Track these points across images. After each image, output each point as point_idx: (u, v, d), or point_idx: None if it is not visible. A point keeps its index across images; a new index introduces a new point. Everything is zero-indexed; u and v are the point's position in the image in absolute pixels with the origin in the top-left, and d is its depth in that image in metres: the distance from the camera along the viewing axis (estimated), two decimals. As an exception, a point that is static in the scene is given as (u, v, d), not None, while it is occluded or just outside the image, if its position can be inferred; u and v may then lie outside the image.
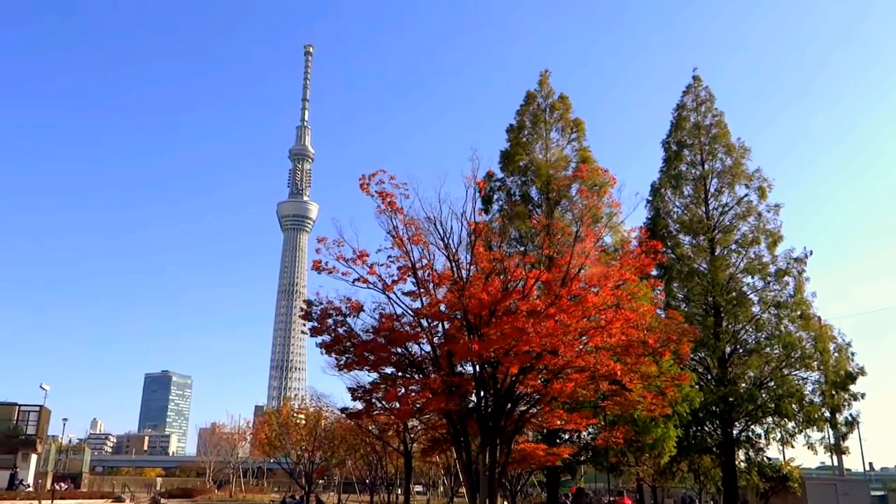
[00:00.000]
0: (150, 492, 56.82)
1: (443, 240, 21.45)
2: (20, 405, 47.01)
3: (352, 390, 24.55)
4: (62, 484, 45.36)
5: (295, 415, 41.68)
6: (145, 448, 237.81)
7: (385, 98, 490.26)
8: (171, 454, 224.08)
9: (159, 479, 70.75)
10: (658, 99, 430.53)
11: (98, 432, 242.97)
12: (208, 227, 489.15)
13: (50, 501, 38.86)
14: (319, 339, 22.61)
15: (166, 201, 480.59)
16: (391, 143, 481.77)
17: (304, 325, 22.67)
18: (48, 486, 44.86)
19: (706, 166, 35.38)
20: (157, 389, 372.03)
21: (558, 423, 22.20)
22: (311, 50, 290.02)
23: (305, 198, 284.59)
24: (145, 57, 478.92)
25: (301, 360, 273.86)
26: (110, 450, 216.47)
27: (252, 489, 67.69)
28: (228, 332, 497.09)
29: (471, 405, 22.50)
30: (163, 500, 48.20)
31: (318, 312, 22.47)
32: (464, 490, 45.94)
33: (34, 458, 47.09)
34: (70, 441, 66.29)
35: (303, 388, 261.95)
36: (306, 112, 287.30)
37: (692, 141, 35.72)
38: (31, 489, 40.74)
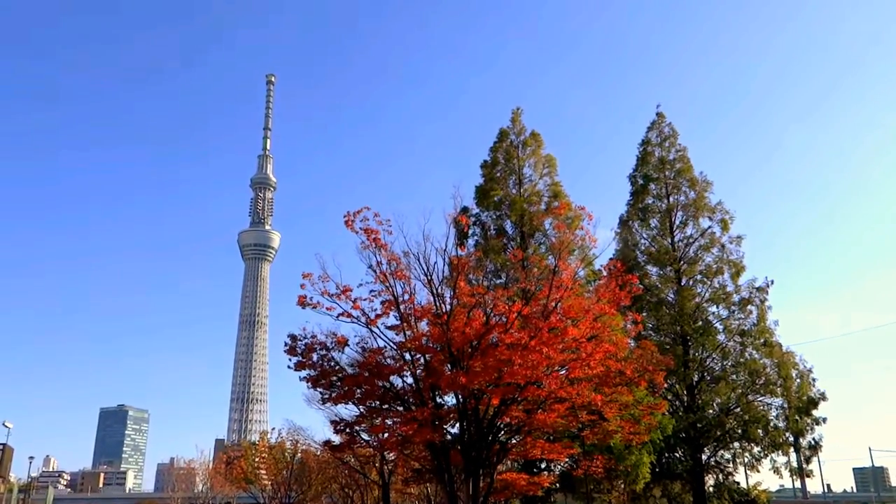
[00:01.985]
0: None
1: (426, 275, 21.99)
2: (-18, 444, 45.70)
3: (334, 423, 24.80)
4: (25, 525, 44.02)
5: (271, 448, 41.49)
6: (101, 485, 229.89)
7: (348, 127, 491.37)
8: (127, 491, 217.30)
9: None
10: (624, 130, 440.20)
11: (51, 469, 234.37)
12: (167, 256, 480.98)
13: (15, 543, 37.89)
14: (304, 373, 22.95)
15: (123, 229, 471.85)
16: (355, 171, 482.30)
17: (290, 359, 22.90)
18: (10, 527, 43.64)
19: (671, 199, 36.81)
20: (112, 424, 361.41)
21: (539, 453, 22.76)
22: (272, 79, 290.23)
23: (267, 227, 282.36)
24: (105, 82, 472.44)
25: (262, 391, 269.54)
26: (64, 487, 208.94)
27: (222, 526, 66.60)
28: (187, 365, 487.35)
29: (448, 436, 23.02)
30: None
31: (303, 347, 22.77)
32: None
33: (-4, 498, 45.77)
34: (30, 479, 64.20)
35: (265, 421, 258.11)
36: (268, 141, 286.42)
37: (657, 175, 37.14)
38: None
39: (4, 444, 46.41)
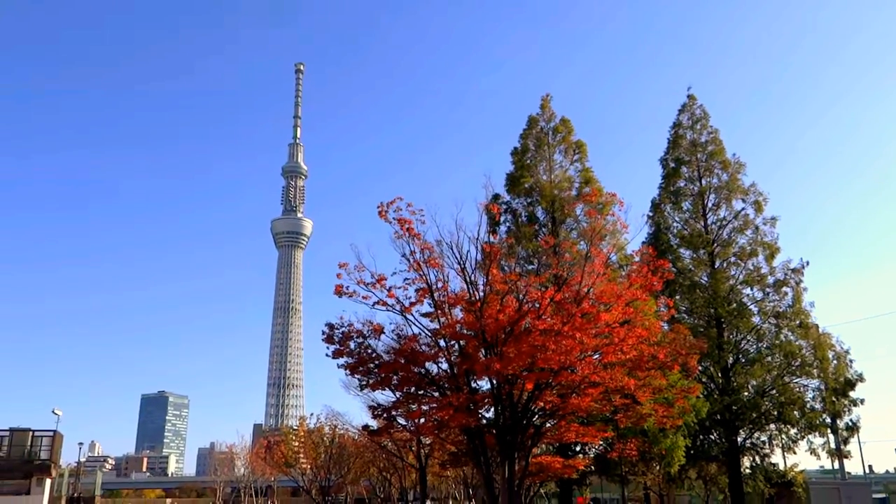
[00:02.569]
0: (164, 513, 57.30)
1: (459, 263, 22.34)
2: (34, 431, 47.48)
3: (372, 409, 25.47)
4: (76, 508, 45.80)
5: (310, 433, 42.49)
6: (144, 469, 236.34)
7: (377, 116, 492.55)
8: (170, 475, 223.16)
9: (169, 500, 70.89)
10: (655, 117, 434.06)
11: (96, 455, 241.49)
12: (203, 245, 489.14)
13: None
14: (342, 360, 23.54)
15: (160, 220, 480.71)
16: (385, 160, 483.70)
17: (328, 347, 23.48)
18: (63, 510, 45.38)
19: (703, 182, 36.58)
20: (153, 410, 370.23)
21: (574, 436, 23.10)
22: (301, 68, 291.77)
23: (299, 214, 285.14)
24: (136, 76, 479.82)
25: (298, 377, 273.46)
26: (110, 471, 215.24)
27: (263, 508, 68.29)
28: (225, 351, 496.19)
29: (483, 420, 23.48)
30: (177, 521, 48.78)
31: (341, 335, 23.33)
32: (475, 502, 46.84)
33: (48, 482, 47.55)
34: (79, 465, 66.54)
35: (301, 406, 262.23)
36: (298, 129, 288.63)
37: (689, 158, 36.93)
38: None
39: (55, 431, 48.14)
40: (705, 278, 35.05)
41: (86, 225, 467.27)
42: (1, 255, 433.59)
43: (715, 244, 35.36)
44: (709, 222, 36.09)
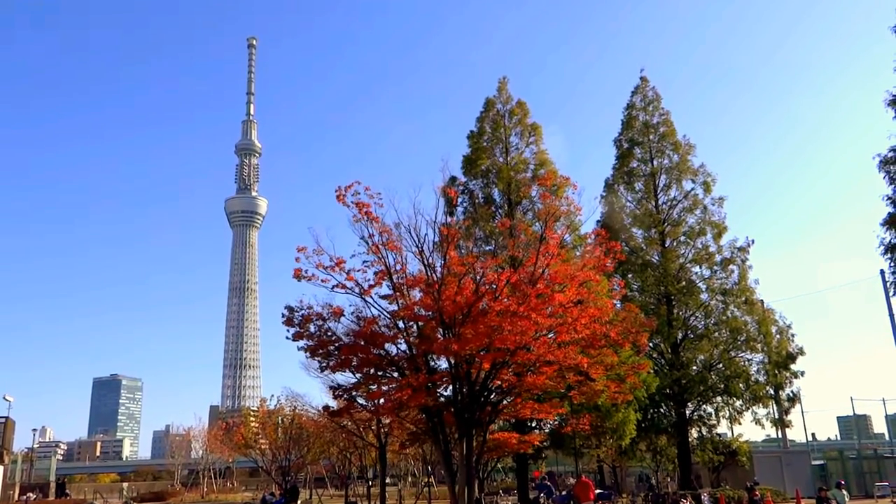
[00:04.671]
0: (122, 497, 56.84)
1: (417, 246, 22.68)
2: (-16, 417, 46.52)
3: (333, 389, 25.78)
4: (30, 494, 45.22)
5: (270, 414, 42.70)
6: (97, 454, 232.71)
7: (330, 93, 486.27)
8: (124, 459, 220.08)
9: (125, 484, 70.31)
10: (609, 97, 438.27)
11: (48, 440, 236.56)
12: (154, 223, 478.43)
13: (23, 512, 39.04)
14: (302, 343, 23.77)
15: (110, 197, 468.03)
16: (342, 142, 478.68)
17: (288, 330, 23.66)
18: (16, 497, 44.76)
19: (655, 163, 37.55)
20: (106, 394, 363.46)
21: (529, 413, 23.81)
22: (254, 42, 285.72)
23: (254, 193, 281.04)
24: (84, 51, 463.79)
25: (255, 358, 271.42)
26: (61, 457, 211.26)
27: (223, 489, 68.12)
28: (179, 333, 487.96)
29: (442, 399, 24.04)
30: (136, 505, 48.57)
31: (300, 318, 23.53)
32: (433, 480, 47.67)
33: (0, 469, 46.77)
34: (31, 451, 65.42)
35: (258, 387, 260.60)
36: (252, 106, 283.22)
37: (642, 139, 37.82)
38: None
39: (7, 418, 47.24)
40: (656, 257, 36.12)
41: (34, 202, 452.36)
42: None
43: (665, 224, 36.39)
44: (660, 202, 37.11)
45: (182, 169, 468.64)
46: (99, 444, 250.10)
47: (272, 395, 45.35)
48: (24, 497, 43.62)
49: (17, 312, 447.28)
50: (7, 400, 51.25)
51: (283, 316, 23.97)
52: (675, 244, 36.42)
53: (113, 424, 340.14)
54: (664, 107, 38.47)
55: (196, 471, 74.41)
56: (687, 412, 34.24)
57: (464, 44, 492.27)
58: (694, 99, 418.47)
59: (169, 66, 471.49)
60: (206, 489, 64.85)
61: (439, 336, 22.53)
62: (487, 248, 30.31)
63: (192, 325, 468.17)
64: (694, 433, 35.33)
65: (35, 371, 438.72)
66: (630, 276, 35.55)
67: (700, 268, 36.07)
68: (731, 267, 35.13)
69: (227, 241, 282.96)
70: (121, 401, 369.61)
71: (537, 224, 30.72)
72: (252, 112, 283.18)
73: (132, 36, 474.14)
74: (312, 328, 23.08)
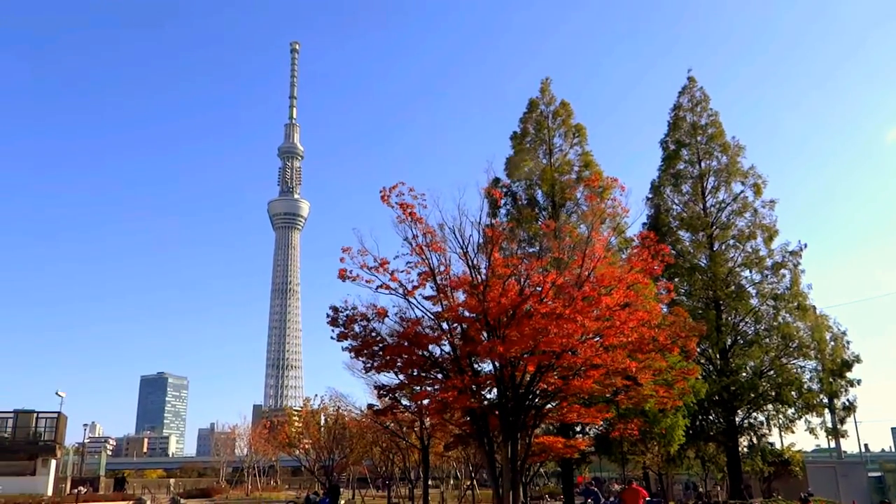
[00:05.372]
0: (169, 493, 58.00)
1: (462, 247, 22.56)
2: (38, 412, 48.01)
3: (378, 388, 25.85)
4: (81, 488, 46.39)
5: (313, 414, 43.07)
6: (145, 450, 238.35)
7: (371, 96, 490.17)
8: (171, 455, 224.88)
9: (172, 480, 71.72)
10: (654, 99, 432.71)
11: (97, 436, 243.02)
12: (200, 226, 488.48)
13: (74, 505, 40.00)
14: (346, 343, 23.85)
15: (157, 201, 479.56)
16: (383, 140, 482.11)
17: (332, 330, 23.76)
18: (68, 490, 45.96)
19: (703, 165, 36.80)
20: (153, 391, 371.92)
21: (576, 417, 23.45)
22: (297, 47, 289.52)
23: (296, 195, 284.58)
24: (128, 60, 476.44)
25: (297, 358, 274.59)
26: (111, 453, 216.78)
27: (267, 487, 68.98)
28: (223, 333, 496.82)
29: (486, 402, 23.85)
30: (182, 501, 49.40)
31: (345, 318, 23.61)
32: (476, 483, 47.44)
33: (53, 463, 48.12)
34: (83, 445, 67.22)
35: (300, 386, 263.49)
36: (294, 110, 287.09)
37: (689, 140, 37.10)
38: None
39: (59, 413, 48.63)
40: (704, 261, 35.37)
41: (81, 201, 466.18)
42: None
43: (714, 227, 35.62)
44: (708, 205, 36.34)
45: (226, 172, 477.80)
46: (146, 440, 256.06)
47: (315, 395, 45.93)
48: (76, 490, 44.74)
49: (72, 313, 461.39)
50: (59, 395, 52.79)
51: (328, 316, 24.08)
52: (723, 248, 35.62)
53: (159, 421, 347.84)
54: (713, 107, 37.70)
55: (240, 468, 75.49)
56: (737, 420, 33.40)
57: (509, 48, 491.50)
58: (748, 105, 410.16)
59: (213, 72, 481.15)
60: (250, 487, 65.76)
61: (483, 338, 22.37)
62: (531, 250, 30.04)
63: (236, 326, 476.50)
64: (744, 441, 34.46)
65: (86, 369, 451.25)
66: (677, 279, 34.89)
67: (750, 272, 35.20)
68: (782, 271, 34.20)
69: (270, 242, 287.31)
70: (167, 399, 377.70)
71: (582, 226, 30.37)
72: (294, 116, 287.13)
73: (175, 42, 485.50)
74: (357, 328, 23.14)
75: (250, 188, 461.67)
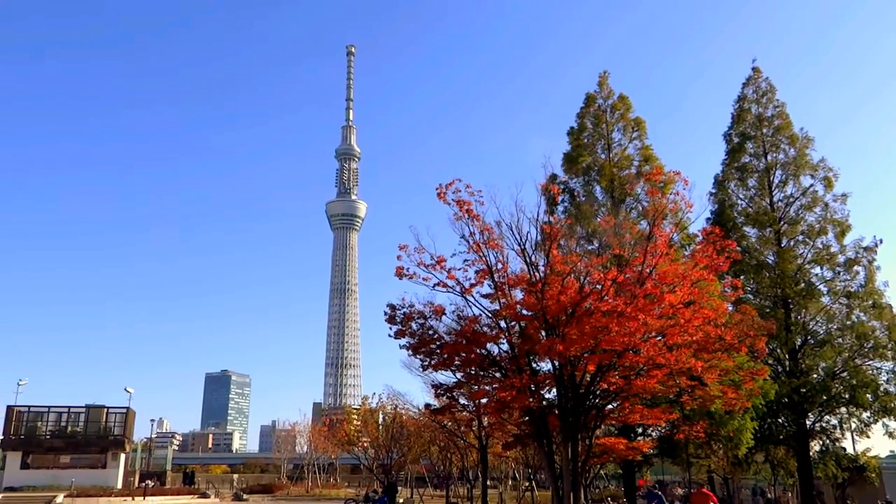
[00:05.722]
0: (232, 488, 59.33)
1: (519, 244, 22.23)
2: (108, 407, 49.72)
3: (435, 387, 25.73)
4: (149, 481, 47.81)
5: (371, 412, 43.38)
6: (210, 446, 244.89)
7: (426, 94, 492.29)
8: (234, 451, 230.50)
9: (236, 476, 73.38)
10: (715, 93, 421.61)
11: (164, 431, 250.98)
12: (261, 228, 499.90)
13: (142, 498, 41.21)
14: (403, 341, 23.80)
15: (221, 203, 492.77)
16: (438, 138, 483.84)
17: (390, 327, 23.74)
18: (136, 483, 47.43)
19: (770, 158, 35.46)
20: (217, 388, 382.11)
21: (638, 418, 22.85)
22: (353, 50, 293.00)
23: (353, 196, 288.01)
24: (185, 65, 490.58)
25: (355, 357, 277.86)
26: (177, 447, 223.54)
27: (326, 485, 69.89)
28: (284, 331, 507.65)
29: (545, 402, 23.44)
30: (245, 496, 50.43)
31: (402, 316, 23.55)
32: (535, 484, 46.97)
33: (122, 457, 49.74)
34: (150, 440, 69.42)
35: (358, 385, 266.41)
36: (350, 112, 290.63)
37: (754, 133, 35.82)
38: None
39: (127, 408, 50.28)
40: (772, 258, 34.06)
41: (136, 200, 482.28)
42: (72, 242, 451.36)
43: (782, 222, 34.28)
44: (775, 199, 34.98)
45: (286, 174, 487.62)
46: (211, 436, 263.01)
47: (373, 394, 46.33)
48: (144, 484, 46.11)
49: (141, 311, 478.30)
50: (128, 391, 54.64)
51: (386, 314, 24.08)
52: (792, 244, 34.22)
53: (223, 418, 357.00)
54: (779, 98, 36.28)
55: (301, 465, 76.70)
56: (808, 423, 32.00)
57: (564, 44, 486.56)
58: (818, 99, 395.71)
59: (270, 76, 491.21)
60: (310, 484, 66.73)
61: (542, 336, 21.99)
62: (590, 247, 29.44)
63: (297, 325, 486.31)
64: (815, 446, 32.99)
65: (154, 366, 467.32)
66: (743, 277, 33.65)
67: (821, 269, 33.69)
68: (856, 268, 32.60)
69: (329, 243, 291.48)
70: (230, 396, 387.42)
71: (643, 222, 29.58)
72: (351, 118, 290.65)
73: (235, 47, 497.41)
74: (414, 326, 23.06)
75: (310, 189, 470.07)
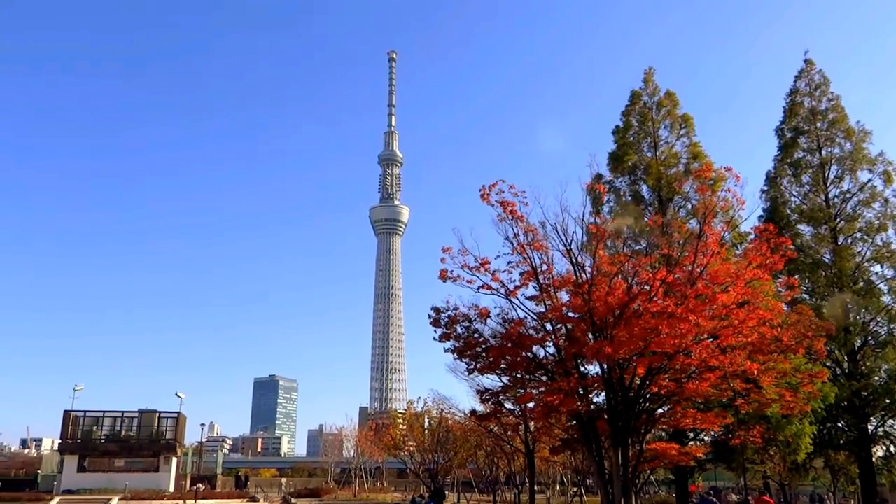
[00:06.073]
0: (280, 492, 59.92)
1: (565, 245, 21.81)
2: (160, 412, 50.70)
3: (480, 393, 25.46)
4: (200, 485, 48.54)
5: (417, 416, 43.33)
6: (259, 450, 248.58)
7: (466, 97, 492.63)
8: (283, 455, 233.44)
9: (284, 480, 74.19)
10: (765, 88, 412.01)
11: (215, 435, 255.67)
12: (306, 233, 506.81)
13: (193, 501, 41.82)
14: (448, 344, 23.57)
15: (267, 209, 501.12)
16: (480, 141, 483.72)
17: (434, 331, 23.54)
18: (188, 487, 48.19)
19: (824, 152, 34.27)
20: (265, 393, 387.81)
21: (691, 422, 22.21)
22: (394, 56, 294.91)
23: (396, 202, 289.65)
24: (228, 75, 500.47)
25: (400, 361, 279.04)
26: (227, 451, 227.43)
27: (373, 489, 70.14)
28: (330, 335, 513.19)
29: (593, 406, 22.94)
30: (293, 500, 50.82)
31: (447, 319, 23.34)
32: (583, 489, 46.28)
33: (174, 461, 50.64)
34: (201, 444, 70.61)
35: (403, 389, 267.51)
36: (393, 118, 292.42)
37: (808, 127, 34.69)
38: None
39: (178, 413, 51.23)
40: (828, 256, 32.85)
41: (186, 208, 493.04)
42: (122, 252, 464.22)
43: (838, 219, 33.07)
44: (830, 196, 33.76)
45: (329, 179, 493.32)
46: (260, 440, 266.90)
47: (419, 398, 46.29)
48: (195, 487, 46.81)
49: (191, 317, 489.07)
50: (179, 396, 55.63)
51: (430, 317, 23.89)
52: (850, 241, 32.96)
53: (272, 422, 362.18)
54: (833, 91, 35.02)
55: (348, 469, 77.12)
56: (870, 427, 30.70)
57: (606, 43, 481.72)
58: (877, 91, 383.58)
59: (313, 83, 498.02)
60: (357, 488, 67.01)
61: (589, 339, 21.54)
62: (637, 247, 28.79)
63: (343, 329, 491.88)
64: (878, 451, 31.64)
65: (204, 371, 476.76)
66: (797, 276, 32.53)
67: (881, 267, 32.37)
68: (919, 266, 31.23)
69: (373, 247, 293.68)
70: (278, 400, 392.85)
71: (692, 221, 28.83)
72: (393, 123, 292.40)
73: (281, 55, 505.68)
74: (459, 329, 22.83)
75: (353, 194, 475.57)
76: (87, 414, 50.86)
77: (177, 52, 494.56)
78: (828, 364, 30.53)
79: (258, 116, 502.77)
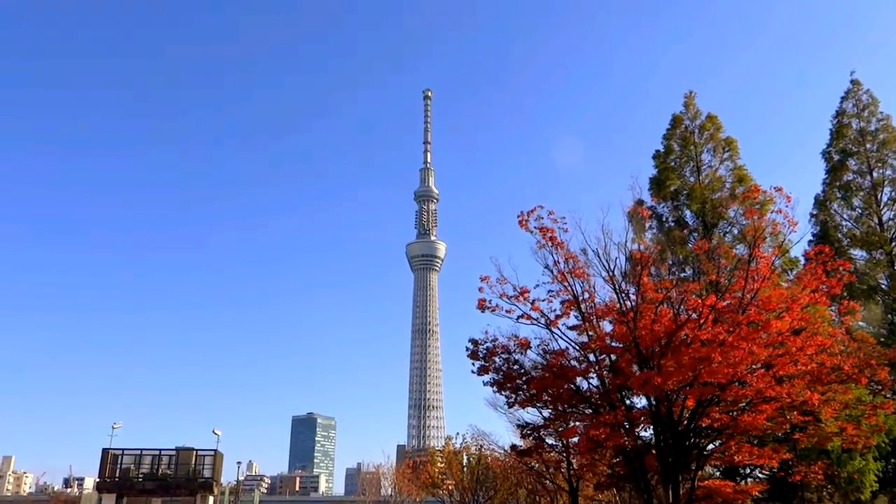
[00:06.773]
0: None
1: (608, 271, 21.03)
2: (197, 450, 50.29)
3: (520, 427, 24.50)
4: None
5: (455, 454, 42.31)
6: (297, 488, 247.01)
7: (506, 134, 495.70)
8: (321, 493, 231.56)
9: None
10: (811, 110, 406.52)
11: (253, 473, 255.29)
12: (341, 268, 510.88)
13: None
14: (487, 377, 22.77)
15: (302, 249, 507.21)
16: (515, 179, 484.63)
17: (473, 364, 22.78)
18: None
19: (876, 174, 33.03)
20: (303, 431, 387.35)
21: (746, 457, 20.94)
22: (429, 94, 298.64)
23: (433, 237, 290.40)
24: (268, 114, 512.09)
25: (438, 398, 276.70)
26: (265, 491, 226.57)
27: (410, 528, 68.96)
28: (367, 373, 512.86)
29: (640, 440, 21.85)
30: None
31: (485, 351, 22.59)
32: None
33: (211, 500, 50.06)
34: (238, 483, 70.12)
35: (441, 426, 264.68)
36: (428, 154, 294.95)
37: (857, 149, 33.54)
38: None
39: (215, 451, 50.74)
40: (885, 282, 31.35)
41: (223, 246, 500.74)
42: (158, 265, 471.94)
43: (894, 243, 31.62)
44: (885, 218, 32.43)
45: (365, 215, 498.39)
46: (298, 479, 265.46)
47: (457, 433, 45.26)
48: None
49: (228, 355, 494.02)
50: (216, 434, 55.25)
51: (468, 349, 23.13)
52: (907, 265, 31.43)
53: (310, 460, 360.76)
54: (882, 111, 33.84)
55: (386, 508, 75.93)
56: (939, 463, 28.81)
57: (641, 70, 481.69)
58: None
59: (348, 122, 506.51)
60: (395, 527, 65.90)
61: (635, 370, 20.59)
62: (683, 274, 27.78)
63: (380, 367, 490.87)
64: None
65: (241, 409, 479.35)
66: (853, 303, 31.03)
67: (943, 293, 30.73)
68: (983, 291, 29.56)
69: (409, 284, 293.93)
70: (316, 438, 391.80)
71: (739, 247, 27.79)
72: (429, 160, 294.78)
73: (309, 93, 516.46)
74: (498, 361, 22.09)
75: (390, 230, 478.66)
76: (126, 452, 50.68)
77: (224, 95, 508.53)
78: (888, 395, 28.86)
79: (287, 150, 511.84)
